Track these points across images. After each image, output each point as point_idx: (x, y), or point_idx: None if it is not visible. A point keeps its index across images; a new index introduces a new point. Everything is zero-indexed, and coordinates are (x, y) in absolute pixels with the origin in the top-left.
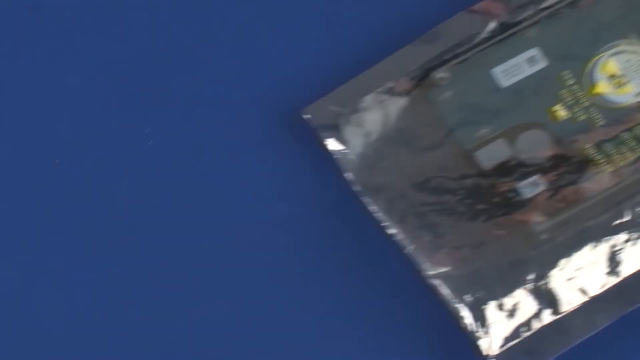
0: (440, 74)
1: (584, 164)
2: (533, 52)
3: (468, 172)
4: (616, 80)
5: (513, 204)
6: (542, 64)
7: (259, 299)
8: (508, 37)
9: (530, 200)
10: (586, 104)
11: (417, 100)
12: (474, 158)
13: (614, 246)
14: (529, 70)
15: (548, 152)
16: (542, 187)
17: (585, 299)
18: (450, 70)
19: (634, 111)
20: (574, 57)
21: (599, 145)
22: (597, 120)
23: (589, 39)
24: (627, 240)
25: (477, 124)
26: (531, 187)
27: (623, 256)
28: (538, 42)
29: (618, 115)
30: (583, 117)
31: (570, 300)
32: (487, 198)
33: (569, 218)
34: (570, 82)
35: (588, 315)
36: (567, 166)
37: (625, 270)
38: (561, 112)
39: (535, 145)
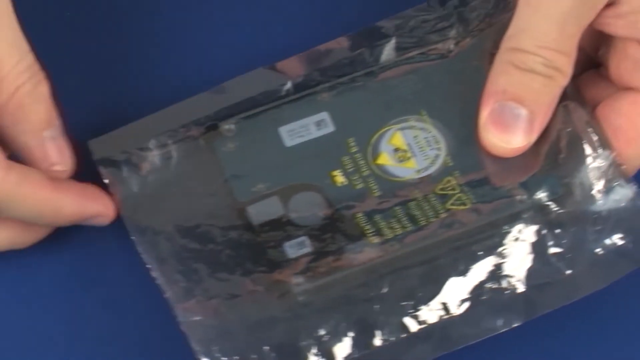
0: (227, 126)
1: (353, 233)
2: (322, 116)
3: (236, 224)
4: (400, 154)
5: (276, 263)
6: (330, 128)
7: None
8: (301, 98)
9: (294, 260)
10: (366, 172)
11: (200, 148)
12: (246, 212)
13: (365, 317)
14: (316, 133)
15: (320, 216)
16: (307, 249)
17: None
18: (237, 122)
19: (412, 187)
20: (362, 126)
21: (370, 215)
22: (374, 191)
23: (380, 110)
24: (379, 313)
25: (255, 179)
26: (297, 247)
27: (376, 327)
28: (329, 107)
29: (395, 188)
30: (361, 186)
31: None
32: (251, 253)
33: (329, 284)
34: (354, 149)
35: None
36: (336, 232)
37: (376, 342)
38: (340, 177)
39: (309, 207)
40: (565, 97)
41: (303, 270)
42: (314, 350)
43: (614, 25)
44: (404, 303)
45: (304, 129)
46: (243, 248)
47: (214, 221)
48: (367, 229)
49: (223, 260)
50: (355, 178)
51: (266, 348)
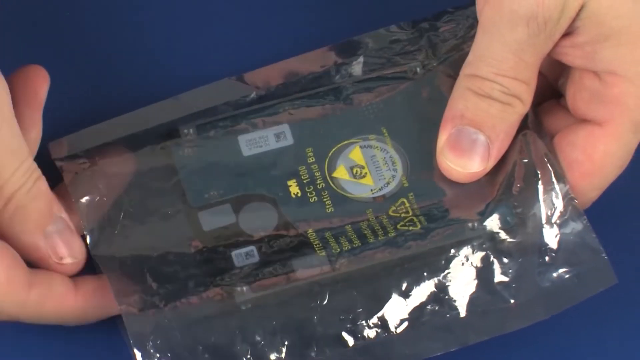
0: (186, 130)
1: (301, 247)
2: (283, 128)
3: (186, 230)
4: (357, 169)
5: (222, 270)
6: (289, 141)
7: None
8: (262, 110)
9: (239, 269)
10: (321, 185)
11: (157, 152)
12: (198, 218)
13: (304, 328)
14: (274, 145)
15: (271, 227)
16: (254, 260)
17: None
18: (197, 128)
19: (365, 205)
20: (322, 140)
21: (321, 231)
22: (328, 207)
23: (341, 126)
24: (317, 324)
25: (209, 186)
26: (244, 257)
27: (313, 339)
28: (290, 120)
29: (348, 205)
30: (315, 199)
31: None
32: (199, 258)
33: (273, 294)
34: (312, 159)
35: None
36: (285, 245)
37: (312, 353)
38: (295, 188)
39: (260, 218)
40: (525, 126)
41: (248, 279)
42: (248, 356)
43: (571, 55)
44: (343, 317)
45: (262, 140)
46: (192, 253)
47: (165, 224)
48: (317, 244)
49: (170, 260)
50: (310, 190)
51: (200, 348)
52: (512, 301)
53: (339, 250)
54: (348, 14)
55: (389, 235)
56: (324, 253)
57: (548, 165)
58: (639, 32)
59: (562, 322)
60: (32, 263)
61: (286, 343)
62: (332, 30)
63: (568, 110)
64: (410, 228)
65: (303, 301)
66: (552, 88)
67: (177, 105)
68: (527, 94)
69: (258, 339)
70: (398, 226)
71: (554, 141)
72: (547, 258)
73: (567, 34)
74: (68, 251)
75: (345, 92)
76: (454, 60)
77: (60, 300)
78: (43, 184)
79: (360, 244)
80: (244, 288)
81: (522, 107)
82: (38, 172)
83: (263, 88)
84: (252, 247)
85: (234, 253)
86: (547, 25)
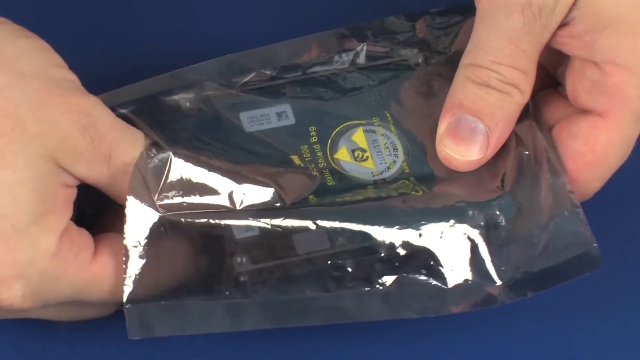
0: (188, 103)
1: (302, 220)
2: (284, 107)
3: None
4: (359, 152)
5: (222, 239)
6: (290, 120)
7: None
8: (265, 89)
9: (240, 240)
10: (322, 164)
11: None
12: None
13: (309, 297)
14: (277, 123)
15: (272, 201)
16: (255, 232)
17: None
18: (197, 101)
19: (365, 184)
20: (325, 120)
21: (322, 197)
22: (329, 180)
23: (344, 110)
24: (305, 263)
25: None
26: (245, 230)
27: (313, 309)
28: (293, 100)
29: (350, 182)
30: (316, 174)
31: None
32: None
33: (273, 267)
34: (314, 139)
35: None
36: (285, 218)
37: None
38: (298, 161)
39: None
40: (525, 116)
41: (249, 251)
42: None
43: (570, 45)
44: (331, 262)
45: (264, 118)
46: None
47: None
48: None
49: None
50: (312, 167)
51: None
52: (499, 283)
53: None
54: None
55: (391, 195)
56: (323, 222)
57: (547, 156)
58: (638, 20)
59: (559, 315)
60: None
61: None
62: (336, 16)
63: (567, 99)
64: (412, 192)
65: (306, 272)
66: (550, 77)
67: (173, 78)
68: (525, 84)
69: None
70: (400, 191)
71: (554, 132)
72: (539, 246)
73: (565, 23)
74: None
75: (348, 77)
76: (456, 52)
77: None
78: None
79: (360, 199)
80: (245, 259)
81: (520, 97)
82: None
83: (265, 68)
84: (252, 220)
85: (235, 225)
86: (542, 14)
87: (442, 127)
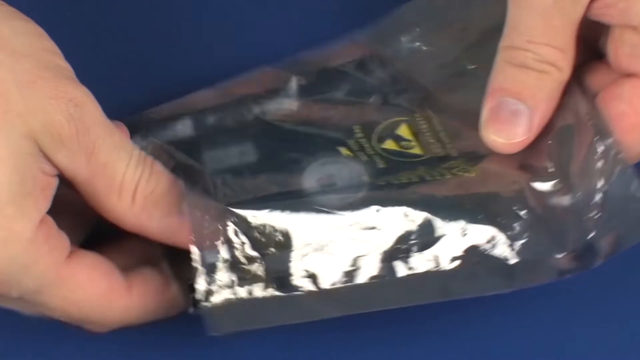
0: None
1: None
2: None
3: None
4: (405, 142)
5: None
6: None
7: None
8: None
9: None
10: (371, 152)
11: None
12: None
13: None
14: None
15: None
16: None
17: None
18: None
19: (416, 165)
20: (369, 118)
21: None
22: (380, 163)
23: (387, 107)
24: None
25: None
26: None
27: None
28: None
29: (400, 163)
30: (366, 159)
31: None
32: None
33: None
34: (359, 135)
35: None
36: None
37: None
38: (346, 151)
39: None
40: (568, 90)
41: None
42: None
43: (607, 15)
44: (398, 246)
45: None
46: None
47: None
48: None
49: None
50: (361, 153)
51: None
52: (561, 254)
53: (397, 182)
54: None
55: (444, 176)
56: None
57: (594, 122)
58: None
59: (560, 315)
60: (175, 245)
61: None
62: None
63: (610, 68)
64: (465, 174)
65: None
66: (592, 49)
67: (218, 94)
68: (563, 61)
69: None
70: (453, 171)
71: (599, 98)
72: (596, 214)
73: None
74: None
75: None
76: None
77: (160, 292)
78: (158, 166)
79: (417, 180)
80: None
81: (559, 75)
82: (149, 158)
83: (303, 75)
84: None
85: None
86: None
87: (485, 112)
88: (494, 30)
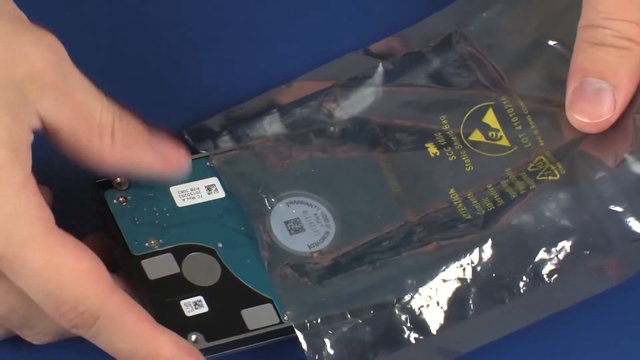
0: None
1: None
2: (212, 180)
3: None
4: (492, 132)
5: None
6: (221, 193)
7: None
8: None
9: (192, 318)
10: (459, 147)
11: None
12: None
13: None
14: (207, 197)
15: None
16: (204, 309)
17: None
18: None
19: (503, 164)
20: (453, 109)
21: (463, 191)
22: (467, 165)
23: (472, 91)
24: (472, 285)
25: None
26: (193, 306)
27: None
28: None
29: (487, 164)
30: (454, 158)
31: None
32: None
33: (228, 344)
34: (446, 127)
35: None
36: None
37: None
38: (433, 149)
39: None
40: None
41: (201, 329)
42: (408, 324)
43: None
44: (495, 275)
45: (194, 191)
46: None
47: None
48: (460, 207)
49: None
50: (448, 150)
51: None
52: None
53: (483, 211)
54: None
55: (530, 188)
56: (469, 216)
57: None
58: None
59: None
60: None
61: (443, 308)
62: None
63: None
64: (550, 177)
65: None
66: None
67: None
68: None
69: (416, 306)
70: (537, 177)
71: None
72: None
73: None
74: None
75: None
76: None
77: (140, 318)
78: (120, 104)
79: (503, 203)
80: (199, 336)
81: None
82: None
83: (389, 60)
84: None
85: (183, 302)
86: None
87: (569, 93)
88: (575, 6)
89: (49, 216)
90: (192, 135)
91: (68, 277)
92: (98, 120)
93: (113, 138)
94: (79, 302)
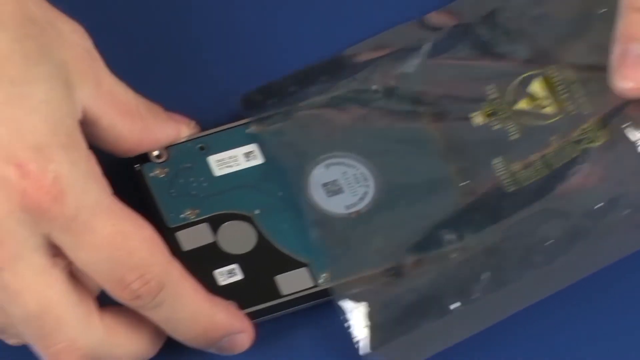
0: (155, 152)
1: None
2: (251, 147)
3: None
4: (538, 101)
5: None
6: (259, 160)
7: None
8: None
9: (226, 287)
10: (504, 115)
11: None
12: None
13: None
14: (245, 164)
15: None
16: (238, 277)
17: None
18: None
19: (549, 133)
20: (500, 78)
21: (507, 162)
22: (512, 133)
23: (517, 60)
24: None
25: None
26: (227, 275)
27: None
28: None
29: (533, 132)
30: (498, 127)
31: None
32: None
33: (262, 310)
34: (493, 96)
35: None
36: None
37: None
38: (478, 118)
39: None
40: None
41: (236, 297)
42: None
43: None
44: (529, 239)
45: (232, 160)
46: None
47: None
48: (505, 179)
49: None
50: (493, 119)
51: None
52: None
53: (529, 182)
54: None
55: (575, 155)
56: (513, 188)
57: None
58: None
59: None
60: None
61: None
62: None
63: None
64: (594, 144)
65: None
66: None
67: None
68: None
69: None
70: (582, 145)
71: None
72: None
73: None
74: None
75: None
76: None
77: (196, 288)
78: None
79: (548, 172)
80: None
81: None
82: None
83: (439, 31)
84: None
85: (216, 272)
86: None
87: (612, 59)
88: None
89: (109, 186)
90: (243, 103)
91: (136, 245)
92: (128, 106)
93: (142, 119)
94: (147, 269)
